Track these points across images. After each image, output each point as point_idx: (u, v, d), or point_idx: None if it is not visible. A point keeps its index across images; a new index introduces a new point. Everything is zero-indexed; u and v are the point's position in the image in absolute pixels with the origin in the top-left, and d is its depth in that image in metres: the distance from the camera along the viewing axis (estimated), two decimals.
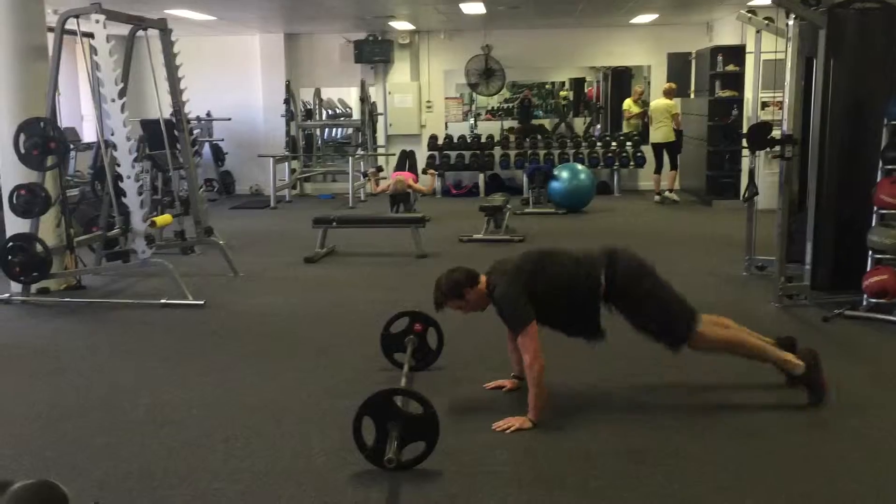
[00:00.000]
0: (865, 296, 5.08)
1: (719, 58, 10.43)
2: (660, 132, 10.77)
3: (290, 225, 9.47)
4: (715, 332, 3.57)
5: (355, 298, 5.89)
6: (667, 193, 10.91)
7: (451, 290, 3.57)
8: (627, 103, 12.17)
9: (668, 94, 10.80)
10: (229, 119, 12.04)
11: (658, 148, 10.85)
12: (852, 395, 3.81)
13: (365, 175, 11.20)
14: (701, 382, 3.98)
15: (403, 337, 4.12)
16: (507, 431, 3.36)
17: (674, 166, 10.90)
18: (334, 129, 14.70)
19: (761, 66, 6.34)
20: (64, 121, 6.27)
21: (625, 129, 12.47)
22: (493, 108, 15.46)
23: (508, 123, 14.52)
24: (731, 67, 10.33)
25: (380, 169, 10.99)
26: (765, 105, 7.91)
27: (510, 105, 15.55)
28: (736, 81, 10.25)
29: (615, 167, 11.79)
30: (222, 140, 12.20)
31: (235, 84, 12.26)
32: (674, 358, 4.31)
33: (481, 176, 11.93)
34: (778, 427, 3.43)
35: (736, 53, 10.24)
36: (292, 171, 12.08)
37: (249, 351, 4.67)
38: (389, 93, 12.41)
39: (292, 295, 6.04)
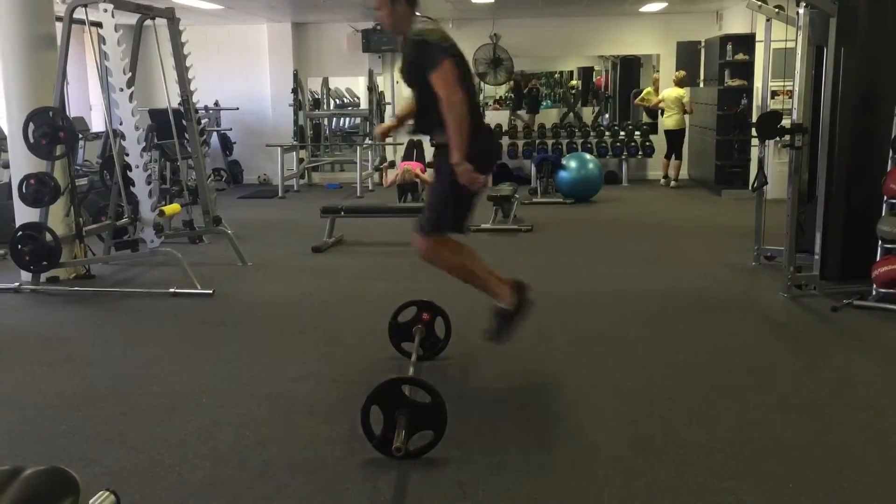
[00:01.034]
0: (875, 286, 5.07)
1: (729, 46, 10.39)
2: (671, 120, 11.05)
3: (298, 214, 9.48)
4: (451, 255, 3.59)
5: (363, 288, 5.90)
6: (672, 183, 11.15)
7: None
8: (648, 91, 12.19)
9: (679, 82, 10.89)
10: (237, 108, 12.04)
11: (670, 135, 11.07)
12: (861, 385, 3.81)
13: (377, 169, 11.21)
14: (708, 373, 3.98)
15: (411, 326, 4.12)
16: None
17: (678, 156, 11.09)
18: (342, 119, 14.68)
19: (771, 54, 6.30)
20: (72, 110, 6.27)
21: (645, 118, 12.48)
22: (500, 97, 15.40)
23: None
24: (740, 56, 10.28)
25: (391, 164, 10.99)
26: (774, 94, 7.84)
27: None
28: (745, 70, 10.19)
29: (623, 157, 11.76)
30: (230, 129, 12.22)
31: (243, 73, 12.27)
32: (680, 350, 4.32)
33: None
34: (786, 417, 3.42)
35: (745, 42, 10.17)
36: (300, 160, 12.09)
37: (258, 340, 4.69)
38: (397, 82, 12.36)
39: (300, 284, 6.06)
